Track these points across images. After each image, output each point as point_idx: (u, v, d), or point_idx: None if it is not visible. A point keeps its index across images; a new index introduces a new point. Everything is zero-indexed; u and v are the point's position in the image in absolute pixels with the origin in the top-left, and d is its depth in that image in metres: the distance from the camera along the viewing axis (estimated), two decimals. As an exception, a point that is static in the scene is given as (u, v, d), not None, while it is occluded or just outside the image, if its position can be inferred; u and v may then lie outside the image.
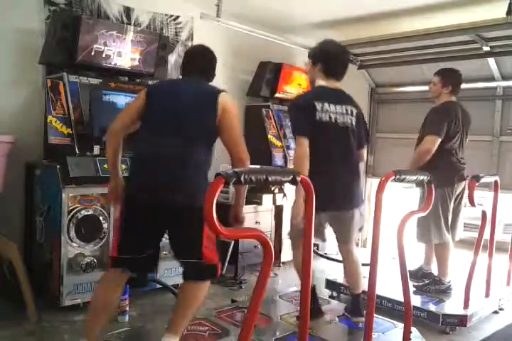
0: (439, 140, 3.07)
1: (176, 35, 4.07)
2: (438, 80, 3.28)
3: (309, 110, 2.39)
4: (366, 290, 2.20)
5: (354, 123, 2.52)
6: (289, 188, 3.73)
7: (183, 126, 2.07)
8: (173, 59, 4.03)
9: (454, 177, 3.16)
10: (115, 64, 3.28)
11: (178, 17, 4.05)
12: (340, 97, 2.55)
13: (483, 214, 2.97)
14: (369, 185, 5.37)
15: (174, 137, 2.05)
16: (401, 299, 2.23)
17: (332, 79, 2.53)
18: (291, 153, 3.81)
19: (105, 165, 2.90)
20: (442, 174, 3.02)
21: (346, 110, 2.50)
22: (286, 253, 4.02)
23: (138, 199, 2.07)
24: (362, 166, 2.64)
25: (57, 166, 2.81)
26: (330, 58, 2.53)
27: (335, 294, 3.39)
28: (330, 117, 2.42)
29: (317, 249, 4.43)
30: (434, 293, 3.15)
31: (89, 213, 2.87)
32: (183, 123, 2.07)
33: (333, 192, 2.34)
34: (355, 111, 2.55)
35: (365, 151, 2.67)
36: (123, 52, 3.29)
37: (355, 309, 2.65)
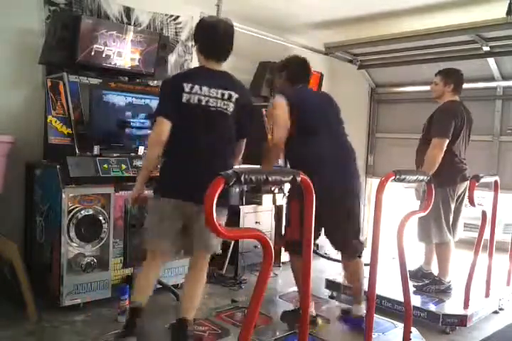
0: (447, 141, 3.07)
1: (176, 35, 4.07)
2: (439, 79, 3.28)
3: (177, 91, 2.21)
4: (366, 290, 2.20)
5: (231, 109, 2.28)
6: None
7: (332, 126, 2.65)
8: (173, 59, 4.03)
9: (456, 178, 3.16)
10: (115, 64, 3.27)
11: (178, 17, 4.05)
12: (218, 80, 2.28)
13: (483, 214, 2.96)
14: (369, 185, 5.39)
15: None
16: (401, 299, 2.23)
17: (211, 61, 2.31)
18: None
19: (105, 165, 2.91)
20: (444, 174, 3.03)
21: (223, 95, 2.25)
22: (286, 253, 4.01)
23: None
24: (235, 162, 2.46)
25: (57, 166, 2.81)
26: (205, 35, 2.31)
27: (335, 294, 3.39)
28: (199, 100, 2.21)
29: (317, 248, 4.43)
30: (434, 293, 3.15)
31: (89, 213, 2.86)
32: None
33: (179, 179, 2.24)
34: (235, 97, 2.28)
35: (243, 144, 2.47)
36: (123, 52, 3.29)
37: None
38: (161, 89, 2.35)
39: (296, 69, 2.73)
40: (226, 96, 2.26)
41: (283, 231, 2.80)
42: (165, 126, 2.19)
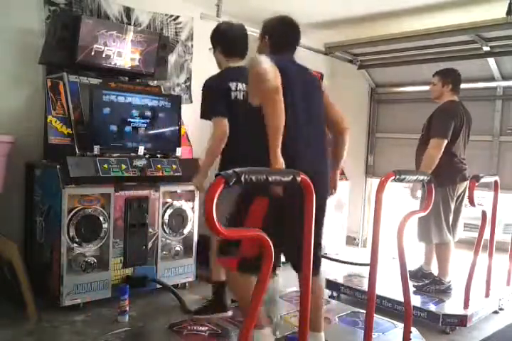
0: (446, 142, 3.07)
1: (176, 35, 4.07)
2: (437, 80, 3.29)
3: (224, 90, 2.49)
4: (366, 290, 2.20)
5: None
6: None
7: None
8: (173, 59, 4.03)
9: (456, 177, 3.16)
10: (115, 64, 3.27)
11: (178, 17, 4.05)
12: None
13: (483, 214, 2.96)
14: (369, 185, 5.39)
15: None
16: (401, 299, 2.23)
17: (236, 58, 2.63)
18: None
19: (105, 165, 2.91)
20: (444, 174, 3.03)
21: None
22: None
23: None
24: None
25: (57, 166, 2.81)
26: (227, 37, 2.64)
27: (335, 294, 3.39)
28: (244, 96, 2.48)
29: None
30: (434, 293, 3.15)
31: (89, 213, 2.86)
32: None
33: None
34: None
35: None
36: (123, 52, 3.29)
37: None
38: (207, 91, 2.56)
39: (281, 33, 2.29)
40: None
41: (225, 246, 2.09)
42: (225, 124, 2.45)
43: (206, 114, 2.56)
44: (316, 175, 1.82)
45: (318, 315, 2.16)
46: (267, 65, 1.86)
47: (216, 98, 2.50)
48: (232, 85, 2.53)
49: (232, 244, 1.98)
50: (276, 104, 1.81)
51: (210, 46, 2.74)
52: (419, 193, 3.24)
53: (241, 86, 2.54)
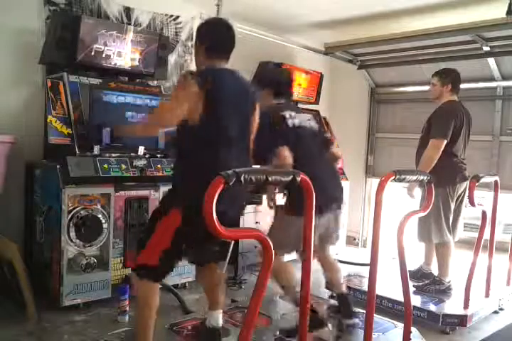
0: (445, 142, 3.07)
1: (176, 35, 4.07)
2: (437, 80, 3.29)
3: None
4: (366, 290, 2.20)
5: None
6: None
7: None
8: (173, 59, 4.03)
9: (455, 177, 3.16)
10: (115, 64, 3.27)
11: (178, 17, 4.05)
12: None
13: (483, 214, 2.97)
14: (369, 185, 5.39)
15: None
16: (401, 299, 2.23)
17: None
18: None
19: (105, 165, 2.91)
20: (444, 174, 3.03)
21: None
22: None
23: None
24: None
25: (57, 166, 2.81)
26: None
27: (335, 294, 3.38)
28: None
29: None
30: (434, 293, 3.15)
31: (89, 213, 2.86)
32: None
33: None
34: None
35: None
36: (123, 52, 3.29)
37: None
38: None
39: (218, 39, 2.16)
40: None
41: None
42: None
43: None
44: None
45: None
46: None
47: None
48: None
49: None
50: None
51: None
52: (416, 192, 3.24)
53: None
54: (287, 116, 2.48)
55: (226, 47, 2.15)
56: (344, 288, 2.75)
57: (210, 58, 2.11)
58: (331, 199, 2.45)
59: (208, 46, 2.11)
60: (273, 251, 1.45)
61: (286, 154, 2.27)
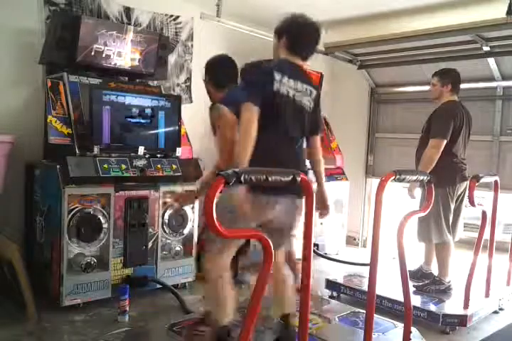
0: (445, 142, 3.07)
1: (176, 35, 4.07)
2: (437, 80, 3.29)
3: (267, 79, 2.06)
4: (366, 290, 2.20)
5: (311, 105, 2.23)
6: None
7: None
8: (173, 59, 4.03)
9: (455, 177, 3.17)
10: (115, 64, 3.27)
11: (178, 17, 4.05)
12: (302, 75, 2.23)
13: (483, 214, 2.96)
14: (369, 185, 5.39)
15: None
16: (401, 299, 2.23)
17: (297, 57, 2.22)
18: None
19: (105, 165, 2.91)
20: (444, 174, 3.03)
21: (306, 89, 2.19)
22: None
23: None
24: (319, 158, 2.33)
25: (57, 166, 2.81)
26: (295, 32, 2.24)
27: (335, 294, 3.39)
28: (288, 92, 2.11)
29: (317, 249, 4.43)
30: (434, 293, 3.15)
31: (89, 213, 2.86)
32: None
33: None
34: (314, 93, 2.25)
35: (318, 139, 2.35)
36: (123, 52, 3.29)
37: None
38: (245, 77, 2.37)
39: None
40: (309, 92, 2.21)
41: None
42: (255, 113, 1.99)
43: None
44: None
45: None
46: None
47: (252, 84, 2.18)
48: (277, 75, 2.10)
49: None
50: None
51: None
52: (416, 192, 3.24)
53: (287, 81, 2.13)
54: (277, 78, 2.08)
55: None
56: (295, 321, 2.08)
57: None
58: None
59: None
60: (273, 251, 1.45)
61: (247, 114, 1.99)
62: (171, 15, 4.01)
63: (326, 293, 3.40)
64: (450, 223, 3.21)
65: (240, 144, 1.99)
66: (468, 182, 3.01)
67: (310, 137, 2.30)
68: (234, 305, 2.20)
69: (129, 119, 3.15)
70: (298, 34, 2.23)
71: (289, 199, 2.10)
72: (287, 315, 2.30)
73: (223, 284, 2.16)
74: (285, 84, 2.09)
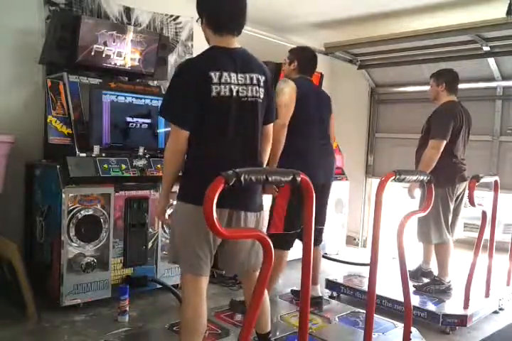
0: (445, 143, 3.08)
1: (176, 35, 4.07)
2: (432, 81, 3.32)
3: (202, 84, 1.76)
4: (366, 290, 2.20)
5: (261, 95, 1.91)
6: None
7: None
8: (173, 59, 4.03)
9: (455, 178, 3.17)
10: (115, 64, 3.27)
11: (178, 17, 4.05)
12: (244, 60, 1.89)
13: (483, 214, 2.97)
14: (369, 185, 5.39)
15: None
16: (401, 299, 2.23)
17: (228, 37, 1.90)
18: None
19: (105, 165, 2.91)
20: (443, 174, 3.03)
21: (251, 78, 1.87)
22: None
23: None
24: (265, 147, 2.06)
25: (57, 166, 2.81)
26: (213, 4, 1.90)
27: (335, 294, 3.39)
28: (231, 90, 1.80)
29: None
30: (434, 293, 3.15)
31: (89, 213, 2.86)
32: None
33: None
34: (262, 80, 1.91)
35: (271, 128, 2.06)
36: (123, 52, 3.29)
37: None
38: (176, 80, 1.85)
39: (306, 61, 2.93)
40: (255, 81, 1.87)
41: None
42: (181, 139, 1.80)
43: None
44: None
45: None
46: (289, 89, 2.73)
47: (184, 93, 1.81)
48: (215, 76, 1.79)
49: None
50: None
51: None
52: (416, 193, 3.24)
53: (228, 77, 1.82)
54: (214, 78, 1.77)
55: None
56: None
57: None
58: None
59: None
60: (273, 252, 1.44)
61: (172, 141, 1.81)
62: (171, 15, 4.01)
63: (326, 293, 3.40)
64: (449, 223, 3.21)
65: (164, 172, 1.92)
66: (467, 182, 3.01)
67: (264, 126, 2.00)
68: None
69: (129, 119, 3.15)
70: (217, 5, 1.89)
71: (231, 214, 1.86)
72: (267, 334, 2.15)
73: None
74: (226, 83, 1.79)
